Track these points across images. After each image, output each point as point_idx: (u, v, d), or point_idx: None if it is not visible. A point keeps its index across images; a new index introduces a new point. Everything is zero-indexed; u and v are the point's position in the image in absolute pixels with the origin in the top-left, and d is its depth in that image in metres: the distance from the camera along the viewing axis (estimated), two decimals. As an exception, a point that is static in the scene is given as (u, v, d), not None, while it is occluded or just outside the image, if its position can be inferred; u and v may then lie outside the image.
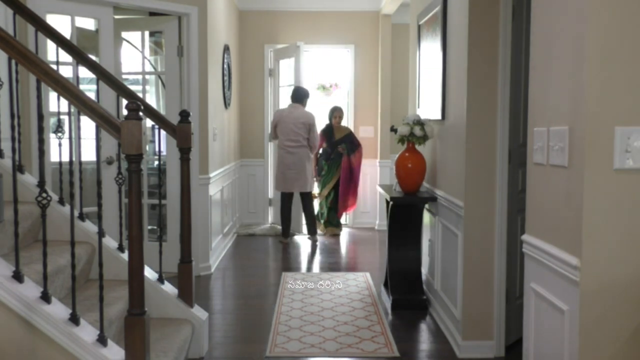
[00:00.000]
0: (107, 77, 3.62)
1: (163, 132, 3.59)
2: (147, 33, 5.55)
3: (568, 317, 1.93)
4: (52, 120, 4.52)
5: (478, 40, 3.46)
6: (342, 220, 7.76)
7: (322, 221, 7.49)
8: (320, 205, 7.55)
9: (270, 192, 7.92)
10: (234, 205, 7.30)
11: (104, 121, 2.52)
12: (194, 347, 3.49)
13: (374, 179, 7.84)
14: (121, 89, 3.62)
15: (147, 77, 6.12)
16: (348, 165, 7.32)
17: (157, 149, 4.40)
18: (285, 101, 7.48)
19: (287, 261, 6.16)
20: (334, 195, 7.38)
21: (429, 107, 4.50)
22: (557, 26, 2.06)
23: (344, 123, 7.63)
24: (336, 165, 7.35)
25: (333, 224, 7.44)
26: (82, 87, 4.91)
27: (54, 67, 3.19)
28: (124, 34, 5.58)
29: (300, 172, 6.63)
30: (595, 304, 1.86)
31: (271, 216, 7.98)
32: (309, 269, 5.85)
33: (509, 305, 3.64)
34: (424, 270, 4.73)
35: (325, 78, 8.33)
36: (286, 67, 7.70)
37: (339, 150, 7.31)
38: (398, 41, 7.96)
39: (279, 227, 7.22)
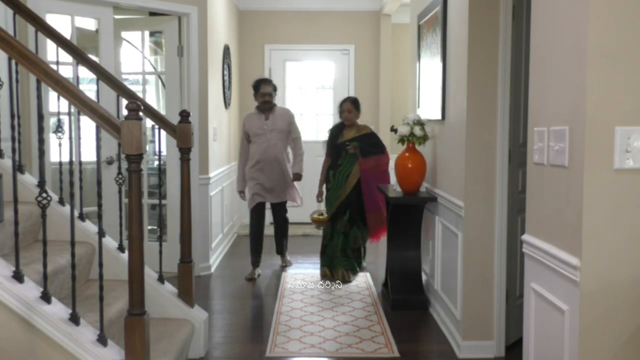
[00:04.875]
0: (107, 77, 3.62)
1: (163, 132, 3.60)
2: (147, 33, 5.55)
3: (568, 317, 1.93)
4: (52, 120, 4.52)
5: (478, 40, 3.45)
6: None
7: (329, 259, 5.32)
8: (325, 233, 5.33)
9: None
10: (234, 205, 7.29)
11: (104, 121, 2.52)
12: (194, 347, 3.49)
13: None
14: (121, 89, 3.62)
15: (147, 77, 6.12)
16: (364, 170, 5.17)
17: (157, 149, 4.39)
18: (290, 101, 7.92)
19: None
20: (348, 216, 5.21)
21: (429, 107, 4.50)
22: (557, 26, 2.05)
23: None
24: (345, 175, 5.22)
25: (344, 265, 5.27)
26: (82, 87, 4.92)
27: (54, 67, 3.19)
28: (124, 34, 5.57)
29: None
30: (595, 304, 1.86)
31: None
32: (309, 268, 5.84)
33: (509, 305, 3.64)
34: (424, 270, 4.73)
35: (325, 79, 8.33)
36: (292, 68, 8.00)
37: (348, 150, 5.17)
38: (398, 41, 7.97)
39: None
